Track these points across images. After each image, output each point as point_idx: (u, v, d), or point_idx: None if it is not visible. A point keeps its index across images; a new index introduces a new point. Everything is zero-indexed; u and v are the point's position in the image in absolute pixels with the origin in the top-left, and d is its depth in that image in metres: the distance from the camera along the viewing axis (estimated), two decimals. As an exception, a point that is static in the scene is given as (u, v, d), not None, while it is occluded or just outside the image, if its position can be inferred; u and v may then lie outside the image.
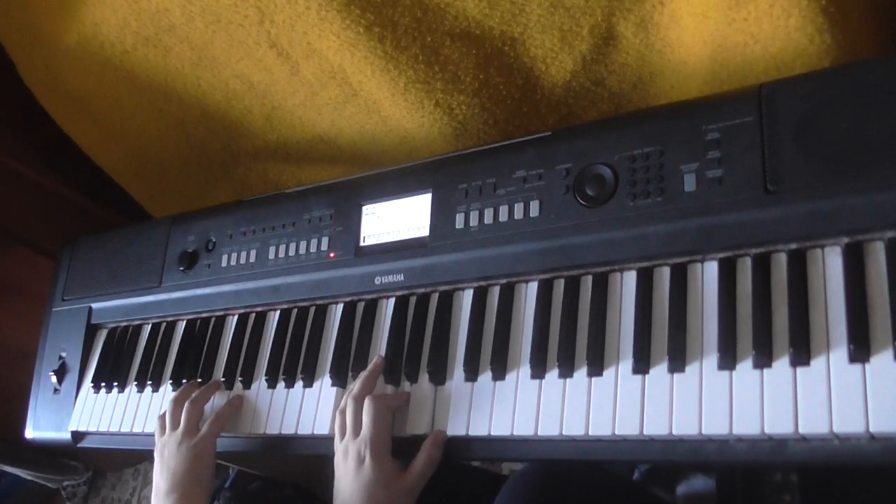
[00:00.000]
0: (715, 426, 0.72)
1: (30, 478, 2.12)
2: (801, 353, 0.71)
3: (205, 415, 1.06)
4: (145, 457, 2.23)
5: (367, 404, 0.90)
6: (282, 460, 1.54)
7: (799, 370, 0.71)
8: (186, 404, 1.05)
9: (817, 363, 0.70)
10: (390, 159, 1.21)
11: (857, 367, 0.68)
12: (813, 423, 0.68)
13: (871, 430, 0.65)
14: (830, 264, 0.74)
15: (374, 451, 0.88)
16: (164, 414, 1.08)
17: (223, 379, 1.09)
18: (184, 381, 1.13)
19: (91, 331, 1.30)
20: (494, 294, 0.92)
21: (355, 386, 0.94)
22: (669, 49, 1.02)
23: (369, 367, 0.96)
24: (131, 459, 2.28)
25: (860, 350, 0.68)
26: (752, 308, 0.75)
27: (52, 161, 1.45)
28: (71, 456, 2.21)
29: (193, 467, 1.00)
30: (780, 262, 0.76)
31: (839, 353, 0.70)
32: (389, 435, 0.91)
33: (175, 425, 1.04)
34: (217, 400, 1.08)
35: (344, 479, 0.90)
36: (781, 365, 0.72)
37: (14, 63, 1.30)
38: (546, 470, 0.95)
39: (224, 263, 1.14)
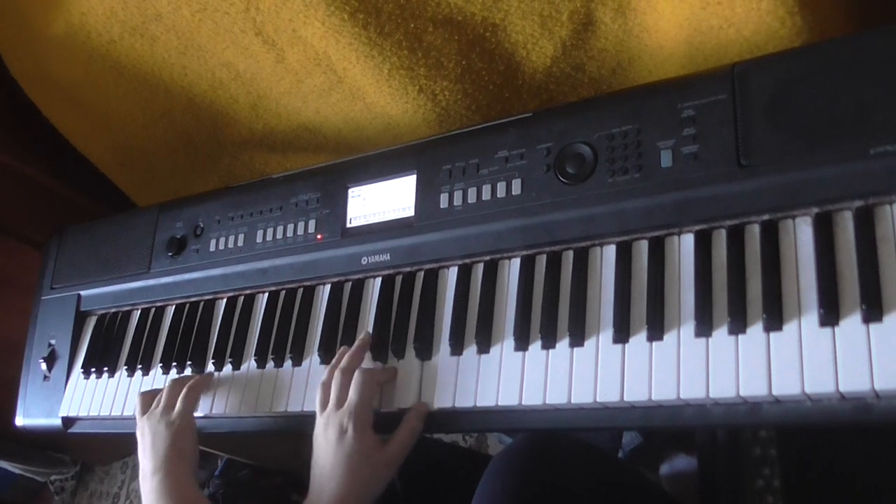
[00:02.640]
0: (692, 391, 0.75)
1: (18, 471, 2.13)
2: (774, 319, 0.73)
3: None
4: (134, 449, 2.24)
5: (356, 376, 0.92)
6: (272, 441, 1.56)
7: (772, 335, 0.73)
8: (169, 383, 1.07)
9: (789, 328, 0.73)
10: (375, 146, 1.22)
11: (827, 330, 0.71)
12: (786, 385, 0.71)
13: (841, 389, 0.68)
14: (801, 234, 0.76)
15: (357, 422, 0.89)
16: (146, 394, 1.09)
17: (213, 360, 1.11)
18: (174, 364, 1.14)
19: (80, 318, 1.31)
20: (478, 271, 0.95)
21: (343, 360, 0.95)
22: (647, 34, 1.04)
23: (357, 341, 0.98)
24: (119, 452, 2.29)
25: (830, 314, 0.71)
26: (727, 277, 0.78)
27: (38, 152, 1.46)
28: (60, 450, 2.22)
29: (174, 444, 1.00)
30: (754, 233, 0.79)
31: (810, 318, 0.72)
32: (371, 408, 0.92)
33: (155, 404, 1.05)
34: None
35: (324, 451, 0.90)
36: (755, 331, 0.74)
37: (0, 54, 1.31)
38: (532, 445, 0.97)
39: (212, 248, 1.16)
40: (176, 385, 1.06)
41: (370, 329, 1.00)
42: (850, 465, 1.04)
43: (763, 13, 0.92)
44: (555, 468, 0.94)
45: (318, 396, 0.95)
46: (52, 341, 1.31)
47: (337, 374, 0.94)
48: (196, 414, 1.07)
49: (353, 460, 0.88)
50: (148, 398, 1.08)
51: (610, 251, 0.87)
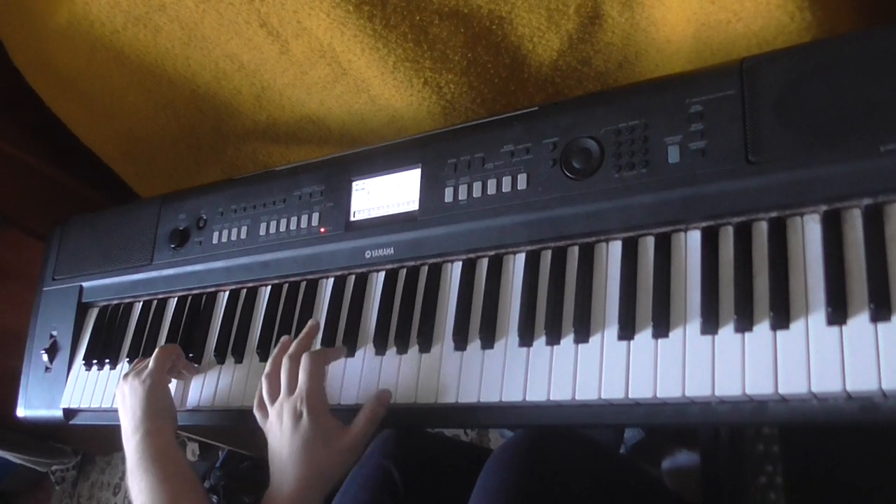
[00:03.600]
0: (698, 389, 0.75)
1: (19, 462, 2.13)
2: (781, 317, 0.73)
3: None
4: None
5: (304, 360, 0.91)
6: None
7: (779, 333, 0.73)
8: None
9: (796, 326, 0.72)
10: (379, 139, 1.22)
11: (835, 329, 0.71)
12: (792, 384, 0.70)
13: (848, 389, 0.68)
14: (809, 231, 0.76)
15: (311, 405, 0.89)
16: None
17: (215, 353, 1.11)
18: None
19: (82, 309, 1.30)
20: (483, 266, 0.94)
21: (291, 346, 0.95)
22: (654, 28, 1.04)
23: (304, 329, 0.98)
24: (121, 443, 2.29)
25: (837, 313, 0.71)
26: (734, 275, 0.78)
27: (40, 142, 1.45)
28: (61, 440, 2.22)
29: (149, 401, 1.01)
30: (761, 230, 0.78)
31: (817, 317, 0.72)
32: (325, 391, 0.92)
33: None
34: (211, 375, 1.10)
35: (280, 439, 0.89)
36: (762, 328, 0.74)
37: (3, 44, 1.31)
38: (532, 440, 0.96)
39: (215, 240, 1.15)
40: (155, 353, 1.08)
41: (373, 323, 0.99)
42: (853, 462, 1.04)
43: (772, 8, 0.91)
44: (554, 463, 0.94)
45: (264, 388, 0.94)
46: (54, 333, 1.31)
47: (285, 360, 0.93)
48: (200, 405, 1.08)
49: (312, 445, 0.88)
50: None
51: (616, 247, 0.86)
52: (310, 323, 0.99)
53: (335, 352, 0.97)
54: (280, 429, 0.90)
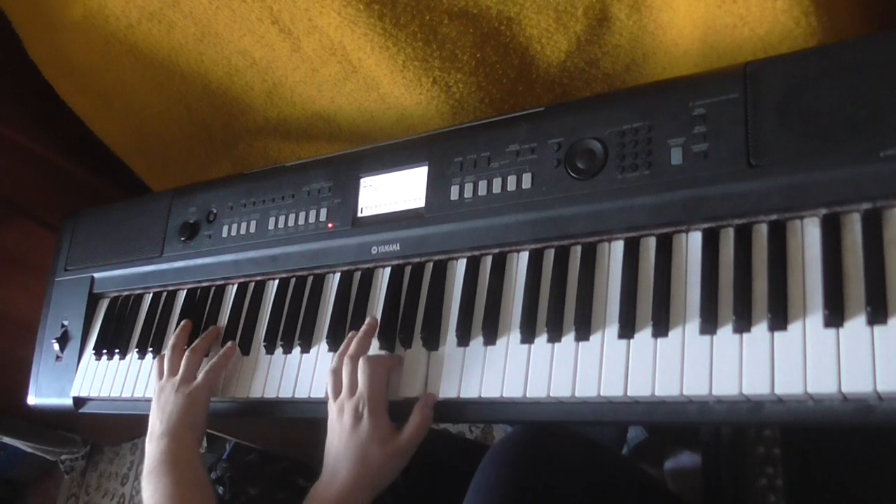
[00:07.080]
0: (696, 387, 0.76)
1: (30, 450, 2.15)
2: (779, 319, 0.74)
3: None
4: (143, 431, 2.26)
5: (362, 364, 0.93)
6: (279, 427, 1.57)
7: (776, 334, 0.74)
8: (187, 352, 1.09)
9: (794, 328, 0.73)
10: (388, 137, 1.23)
11: (832, 331, 0.71)
12: (789, 385, 0.71)
13: (844, 390, 0.69)
14: (809, 235, 0.77)
15: (372, 408, 0.91)
16: (162, 357, 1.12)
17: (222, 345, 1.12)
18: (184, 347, 1.15)
19: (93, 300, 1.32)
20: (487, 263, 0.95)
21: (351, 346, 0.96)
22: (661, 31, 1.04)
23: (364, 326, 0.99)
24: (129, 433, 2.31)
25: (834, 315, 0.71)
26: (734, 276, 0.78)
27: (55, 134, 1.47)
28: (70, 429, 2.24)
29: (187, 414, 1.03)
30: (761, 233, 0.79)
31: (815, 319, 0.73)
32: (386, 394, 0.93)
33: (173, 371, 1.08)
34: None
35: (339, 436, 0.92)
36: (760, 329, 0.75)
37: (19, 37, 1.32)
38: (527, 437, 0.97)
39: (224, 234, 1.17)
40: (192, 356, 1.09)
41: (378, 318, 1.00)
42: (854, 466, 1.04)
43: (778, 12, 0.92)
44: (549, 460, 0.94)
45: (330, 383, 0.96)
46: (65, 322, 1.33)
47: (346, 361, 0.95)
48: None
49: (367, 446, 0.90)
50: (161, 363, 1.11)
51: (618, 247, 0.87)
52: (368, 321, 0.99)
53: (393, 361, 0.97)
54: (339, 426, 0.92)
